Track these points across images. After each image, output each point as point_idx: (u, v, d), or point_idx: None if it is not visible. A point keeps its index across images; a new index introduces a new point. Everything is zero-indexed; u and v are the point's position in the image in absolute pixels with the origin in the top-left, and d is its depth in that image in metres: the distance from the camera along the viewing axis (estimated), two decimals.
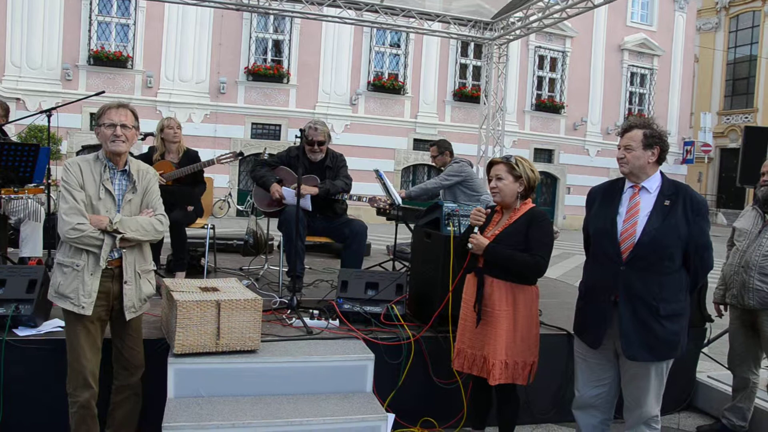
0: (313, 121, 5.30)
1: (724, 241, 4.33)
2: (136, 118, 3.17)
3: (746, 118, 29.67)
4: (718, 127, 30.44)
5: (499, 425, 3.56)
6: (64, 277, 3.01)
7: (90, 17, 18.48)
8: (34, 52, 17.93)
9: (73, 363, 3.05)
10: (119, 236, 3.00)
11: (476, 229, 3.41)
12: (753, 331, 4.03)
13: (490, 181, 3.46)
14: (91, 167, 3.07)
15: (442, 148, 6.46)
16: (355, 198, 5.30)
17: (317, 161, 5.27)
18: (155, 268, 3.37)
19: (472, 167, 6.47)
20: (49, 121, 5.21)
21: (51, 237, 5.31)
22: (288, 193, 5.05)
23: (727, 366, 4.38)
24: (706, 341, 4.94)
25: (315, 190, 5.04)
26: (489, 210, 3.52)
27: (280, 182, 5.22)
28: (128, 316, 3.10)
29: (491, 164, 3.48)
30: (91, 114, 18.03)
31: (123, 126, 3.06)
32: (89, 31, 18.47)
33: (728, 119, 30.90)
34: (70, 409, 3.05)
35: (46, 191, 5.43)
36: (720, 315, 4.33)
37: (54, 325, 3.65)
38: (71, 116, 17.00)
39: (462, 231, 3.91)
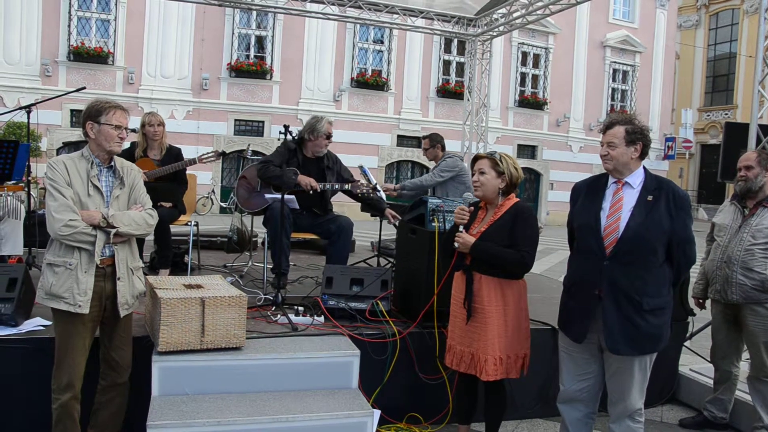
0: (315, 117, 5.21)
1: (704, 236, 4.37)
2: None
3: (726, 114, 30.00)
4: (699, 123, 30.74)
5: (486, 420, 3.57)
6: (56, 277, 2.94)
7: (69, 12, 18.21)
8: (12, 48, 17.64)
9: (60, 363, 3.01)
10: (113, 231, 2.98)
11: (461, 228, 3.42)
12: (735, 325, 4.07)
13: (473, 174, 3.47)
14: (76, 165, 3.03)
15: (434, 141, 6.45)
16: (338, 187, 5.23)
17: (315, 159, 5.19)
18: (143, 264, 3.34)
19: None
20: (28, 118, 5.15)
21: (31, 235, 5.24)
22: (288, 196, 4.90)
23: (709, 359, 4.43)
24: (688, 335, 4.99)
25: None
26: (472, 208, 3.53)
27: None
28: (122, 313, 3.09)
29: (476, 159, 3.49)
30: (72, 110, 17.82)
31: (126, 129, 3.12)
32: (69, 26, 18.20)
33: (709, 115, 31.22)
34: (52, 405, 3.01)
35: (26, 189, 5.36)
36: (701, 308, 4.37)
37: (35, 324, 3.60)
38: (51, 113, 16.80)
39: (446, 227, 3.93)
